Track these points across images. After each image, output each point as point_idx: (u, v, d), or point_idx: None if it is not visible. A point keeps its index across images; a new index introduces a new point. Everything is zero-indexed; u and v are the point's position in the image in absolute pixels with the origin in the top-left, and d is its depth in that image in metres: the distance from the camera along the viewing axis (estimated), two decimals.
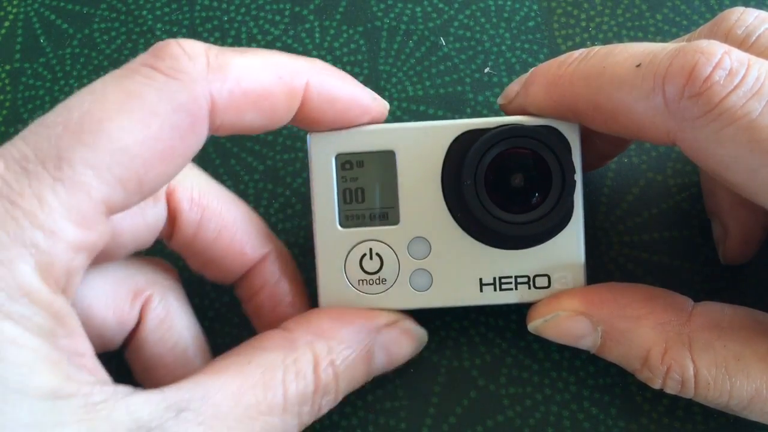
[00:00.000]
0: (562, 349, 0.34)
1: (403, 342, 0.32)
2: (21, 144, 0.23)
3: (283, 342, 0.29)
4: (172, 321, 0.32)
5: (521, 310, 0.34)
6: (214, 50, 0.26)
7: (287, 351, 0.29)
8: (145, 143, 0.24)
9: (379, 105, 0.32)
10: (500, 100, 0.33)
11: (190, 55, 0.26)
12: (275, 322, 0.31)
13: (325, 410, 0.29)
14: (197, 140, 0.26)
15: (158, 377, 0.31)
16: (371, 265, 0.32)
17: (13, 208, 0.22)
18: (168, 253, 0.34)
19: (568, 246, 0.31)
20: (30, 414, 0.22)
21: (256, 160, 0.38)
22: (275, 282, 0.33)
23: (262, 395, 0.27)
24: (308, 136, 0.31)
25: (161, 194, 0.31)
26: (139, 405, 0.24)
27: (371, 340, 0.31)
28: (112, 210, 0.25)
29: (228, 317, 0.36)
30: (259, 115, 0.28)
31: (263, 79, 0.27)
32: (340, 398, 0.30)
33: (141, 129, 0.24)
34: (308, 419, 0.29)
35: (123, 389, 0.24)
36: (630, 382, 0.34)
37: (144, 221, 0.30)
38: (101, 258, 0.28)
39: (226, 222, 0.32)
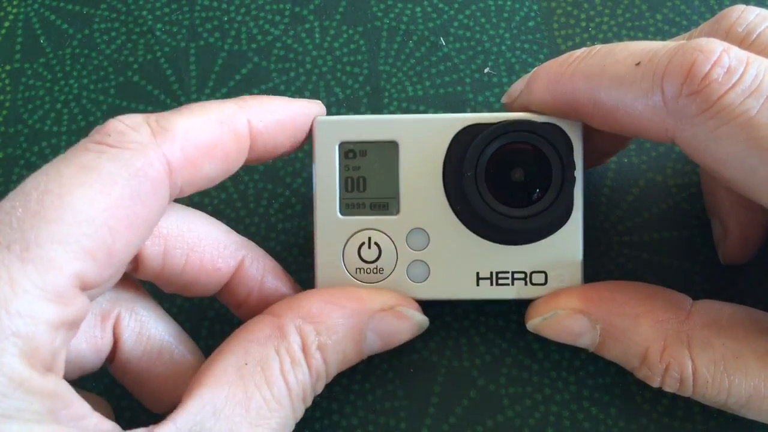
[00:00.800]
0: (562, 348, 0.34)
1: (399, 327, 0.32)
2: None
3: (273, 330, 0.29)
4: (149, 332, 0.31)
5: (521, 311, 0.34)
6: (152, 117, 0.27)
7: (278, 340, 0.28)
8: (108, 211, 0.24)
9: (315, 104, 0.32)
10: (504, 99, 0.33)
11: (132, 126, 0.26)
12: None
13: (320, 390, 0.30)
14: (160, 204, 0.27)
15: (153, 389, 0.31)
16: (369, 254, 0.32)
17: None
18: None
19: (567, 244, 0.31)
20: None
21: None
22: (259, 285, 0.32)
23: (269, 393, 0.27)
24: (313, 122, 0.32)
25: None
26: None
27: (362, 324, 0.30)
28: (86, 284, 0.24)
29: (228, 317, 0.36)
30: (215, 165, 0.28)
31: (208, 130, 0.28)
32: (331, 378, 0.30)
33: (102, 198, 0.24)
34: (309, 402, 0.29)
35: None
36: (630, 382, 0.34)
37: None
38: None
39: (191, 244, 0.31)
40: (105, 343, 0.30)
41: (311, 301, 0.30)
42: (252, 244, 0.33)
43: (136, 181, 0.25)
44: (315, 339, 0.29)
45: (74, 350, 0.29)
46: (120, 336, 0.30)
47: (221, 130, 0.28)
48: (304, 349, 0.29)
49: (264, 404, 0.27)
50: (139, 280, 0.31)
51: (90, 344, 0.29)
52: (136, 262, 0.30)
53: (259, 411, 0.27)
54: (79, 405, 0.24)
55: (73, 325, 0.24)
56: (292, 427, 0.29)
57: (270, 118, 0.30)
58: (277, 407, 0.27)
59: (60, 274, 0.23)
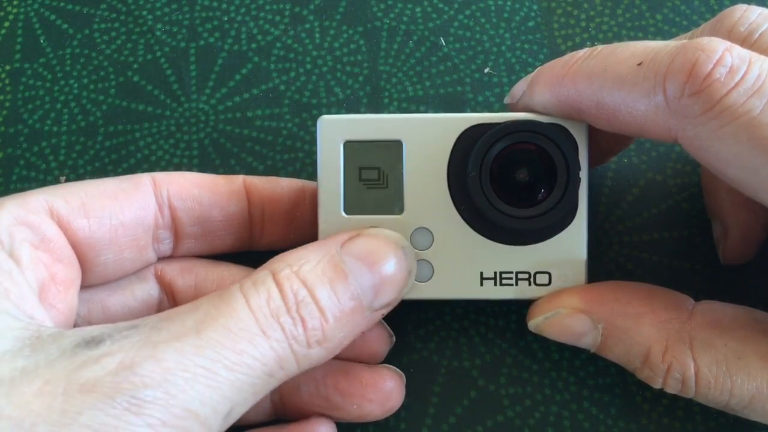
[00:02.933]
0: (562, 349, 0.34)
1: (375, 246, 0.29)
2: None
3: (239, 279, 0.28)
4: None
5: (521, 311, 0.34)
6: None
7: (242, 281, 0.27)
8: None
9: None
10: (507, 100, 0.33)
11: None
12: None
13: (319, 334, 0.27)
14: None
15: None
16: None
17: None
18: None
19: (571, 244, 0.31)
20: None
21: (256, 160, 0.38)
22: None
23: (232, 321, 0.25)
24: (318, 120, 0.32)
25: (149, 275, 0.33)
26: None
27: (335, 251, 0.28)
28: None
29: None
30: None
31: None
32: (331, 321, 0.27)
33: None
34: (301, 341, 0.26)
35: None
36: (630, 382, 0.34)
37: (134, 298, 0.33)
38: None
39: (222, 277, 0.33)
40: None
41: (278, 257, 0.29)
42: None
43: None
44: (285, 268, 0.27)
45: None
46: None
47: None
48: (274, 274, 0.27)
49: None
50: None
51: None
52: (173, 299, 0.34)
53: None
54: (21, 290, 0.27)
55: (39, 238, 0.29)
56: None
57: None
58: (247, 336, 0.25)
59: (32, 199, 0.29)
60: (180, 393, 0.23)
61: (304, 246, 0.29)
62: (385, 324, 0.34)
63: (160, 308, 0.33)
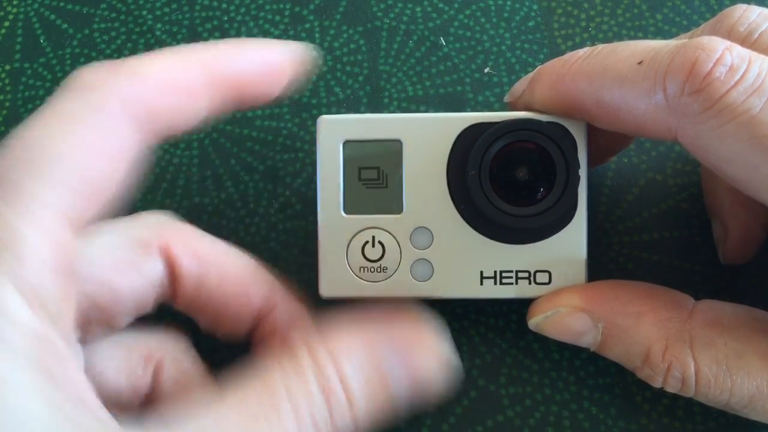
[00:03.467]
0: (562, 348, 0.34)
1: (430, 365, 0.28)
2: None
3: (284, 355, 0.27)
4: (188, 384, 0.31)
5: (521, 311, 0.34)
6: (115, 61, 0.27)
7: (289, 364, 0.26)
8: (77, 146, 0.25)
9: (294, 49, 0.31)
10: (507, 98, 0.33)
11: (92, 69, 0.27)
12: None
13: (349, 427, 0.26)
14: (128, 136, 0.27)
15: None
16: (373, 252, 0.32)
17: None
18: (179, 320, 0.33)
19: (571, 243, 0.31)
20: None
21: (256, 160, 0.38)
22: (285, 329, 0.32)
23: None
24: (318, 120, 0.32)
25: (154, 249, 0.30)
26: None
27: (379, 347, 0.27)
28: (73, 220, 0.24)
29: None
30: (183, 101, 0.28)
31: (173, 69, 0.28)
32: (361, 421, 0.26)
33: (69, 136, 0.25)
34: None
35: None
36: (630, 382, 0.34)
37: (140, 276, 0.30)
38: (108, 325, 0.29)
39: (226, 268, 0.31)
40: (144, 384, 0.30)
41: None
42: (286, 290, 0.32)
43: (96, 115, 0.26)
44: (328, 359, 0.26)
45: (113, 384, 0.29)
46: (159, 381, 0.30)
47: (184, 68, 0.28)
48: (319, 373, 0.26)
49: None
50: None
51: (130, 381, 0.30)
52: (175, 281, 0.31)
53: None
54: (80, 380, 0.23)
55: (68, 272, 0.24)
56: None
57: (242, 67, 0.29)
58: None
59: (49, 212, 0.23)
60: None
61: (356, 330, 0.28)
62: None
63: (161, 287, 0.31)
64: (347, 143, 0.32)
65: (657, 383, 0.29)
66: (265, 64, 0.30)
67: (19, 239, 0.22)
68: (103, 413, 0.23)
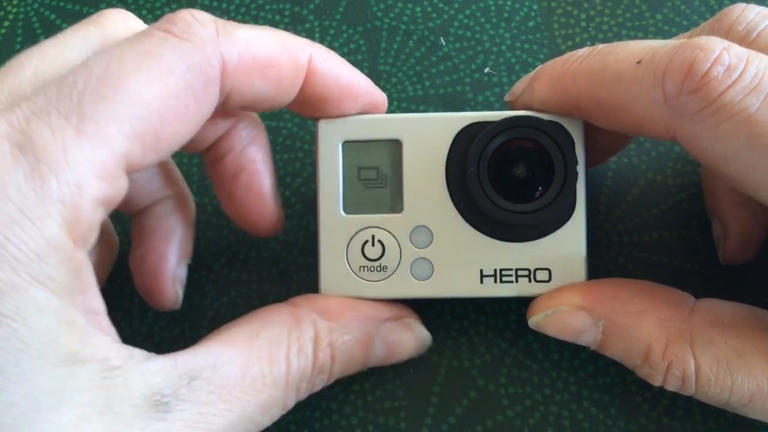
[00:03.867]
0: (562, 348, 0.34)
1: (406, 338, 0.33)
2: (42, 100, 0.23)
3: (289, 318, 0.30)
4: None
5: (521, 310, 0.34)
6: (221, 20, 0.27)
7: (292, 326, 0.30)
8: (162, 99, 0.25)
9: (380, 93, 0.33)
10: (507, 98, 0.33)
11: (200, 21, 0.27)
12: (236, 192, 0.32)
13: (317, 388, 0.30)
14: (210, 101, 0.27)
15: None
16: (373, 252, 0.32)
17: (39, 163, 0.22)
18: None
19: (570, 241, 0.31)
20: (49, 380, 0.22)
21: None
22: (241, 149, 0.32)
23: (268, 369, 0.28)
24: (318, 122, 0.32)
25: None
26: (154, 372, 0.25)
27: (373, 329, 0.31)
28: (130, 166, 0.25)
29: (228, 317, 0.36)
30: (266, 84, 0.28)
31: (270, 47, 0.28)
32: (332, 380, 0.31)
33: (158, 85, 0.25)
34: (303, 395, 0.30)
35: (138, 354, 0.25)
36: (630, 382, 0.34)
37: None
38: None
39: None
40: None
41: (329, 300, 0.32)
42: (255, 114, 0.33)
43: (191, 74, 0.26)
44: (328, 335, 0.30)
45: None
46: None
47: (282, 53, 0.28)
48: (315, 342, 0.30)
49: (260, 377, 0.28)
50: None
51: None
52: None
53: (254, 381, 0.27)
54: (95, 297, 0.25)
55: (110, 204, 0.25)
56: (278, 413, 0.29)
57: (331, 70, 0.30)
58: (271, 384, 0.28)
59: (111, 153, 0.24)
60: None
61: (354, 305, 0.32)
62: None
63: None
64: (346, 143, 0.32)
65: (657, 382, 0.29)
66: (353, 80, 0.31)
67: (77, 173, 0.23)
68: (113, 333, 0.25)
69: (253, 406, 0.27)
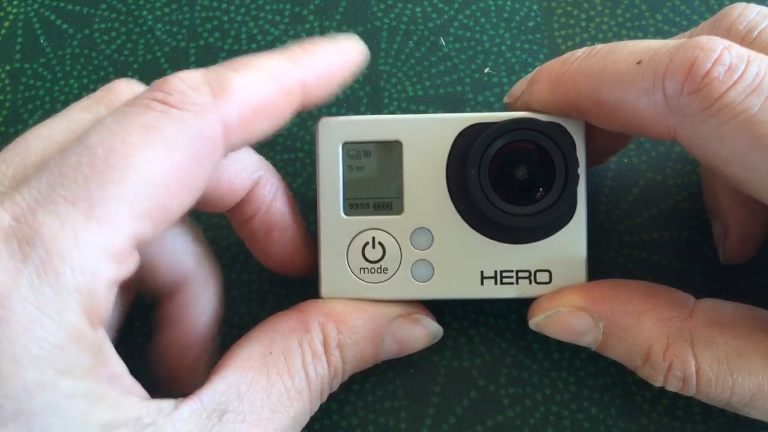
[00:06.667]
0: (562, 348, 0.34)
1: (415, 334, 0.33)
2: (46, 185, 0.23)
3: (297, 324, 0.30)
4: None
5: (521, 310, 0.34)
6: (211, 74, 0.27)
7: (302, 333, 0.30)
8: (169, 174, 0.25)
9: (354, 44, 0.31)
10: (506, 99, 0.33)
11: (193, 87, 0.26)
12: (270, 247, 0.33)
13: (335, 388, 0.31)
14: (214, 163, 0.27)
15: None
16: (373, 253, 0.32)
17: (50, 256, 0.22)
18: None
19: (571, 242, 0.31)
20: None
21: None
22: (267, 206, 0.32)
23: (290, 382, 0.29)
24: (318, 123, 0.32)
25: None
26: (185, 420, 0.25)
27: (382, 327, 0.32)
28: (141, 242, 0.25)
29: (228, 317, 0.36)
30: (267, 123, 0.28)
31: (264, 90, 0.28)
32: (346, 377, 0.31)
33: (164, 160, 0.24)
34: (325, 398, 0.31)
35: (166, 406, 0.25)
36: (630, 382, 0.34)
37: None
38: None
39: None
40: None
41: (335, 303, 0.32)
42: (269, 165, 0.33)
43: (195, 145, 0.25)
44: (336, 337, 0.30)
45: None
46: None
47: (276, 90, 0.28)
48: (325, 345, 0.30)
49: (285, 392, 0.28)
50: None
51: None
52: None
53: (280, 398, 0.28)
54: (117, 364, 0.25)
55: (123, 279, 0.25)
56: (307, 419, 0.30)
57: (321, 73, 0.30)
58: (296, 397, 0.28)
59: (121, 234, 0.24)
60: None
61: (360, 306, 0.32)
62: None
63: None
64: (347, 144, 0.32)
65: (658, 382, 0.29)
66: (339, 66, 0.30)
67: (89, 260, 0.23)
68: (138, 388, 0.26)
69: (285, 420, 0.28)
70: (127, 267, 0.24)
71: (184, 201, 0.26)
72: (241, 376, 0.28)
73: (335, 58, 0.30)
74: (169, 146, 0.25)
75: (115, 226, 0.23)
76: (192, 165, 0.25)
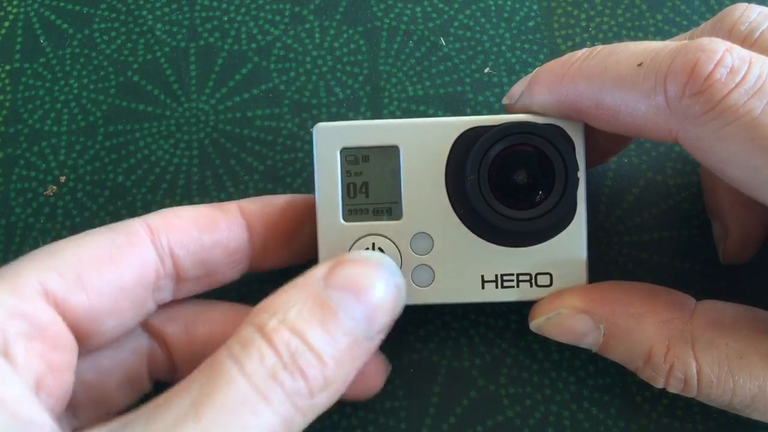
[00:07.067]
0: (562, 349, 0.34)
1: (358, 272, 0.27)
2: None
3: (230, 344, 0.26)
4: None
5: (521, 311, 0.34)
6: None
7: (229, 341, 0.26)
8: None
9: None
10: (505, 101, 0.33)
11: None
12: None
13: (320, 380, 0.25)
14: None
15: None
16: None
17: None
18: None
19: (571, 244, 0.31)
20: None
21: (256, 160, 0.38)
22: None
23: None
24: (314, 129, 0.32)
25: (136, 327, 0.32)
26: None
27: (318, 289, 0.27)
28: (51, 294, 0.27)
29: None
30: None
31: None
32: (331, 363, 0.26)
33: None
34: (304, 394, 0.25)
35: None
36: (630, 382, 0.34)
37: (122, 350, 0.32)
38: (105, 404, 0.31)
39: (211, 319, 0.33)
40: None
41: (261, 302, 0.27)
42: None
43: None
44: (271, 319, 0.26)
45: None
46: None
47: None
48: (260, 328, 0.25)
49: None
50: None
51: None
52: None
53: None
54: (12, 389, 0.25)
55: (35, 328, 0.26)
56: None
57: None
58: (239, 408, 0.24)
59: (25, 281, 0.26)
60: None
61: (284, 288, 0.27)
62: (381, 353, 0.33)
63: (152, 356, 0.32)
64: (344, 150, 0.32)
65: (659, 384, 0.29)
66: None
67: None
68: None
69: None
70: (32, 308, 0.26)
71: (102, 274, 0.28)
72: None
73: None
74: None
75: (20, 277, 0.26)
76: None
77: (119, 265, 0.29)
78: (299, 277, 0.27)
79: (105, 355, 0.31)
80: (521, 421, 0.34)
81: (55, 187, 0.38)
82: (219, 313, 0.33)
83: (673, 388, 0.29)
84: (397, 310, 0.29)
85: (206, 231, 0.31)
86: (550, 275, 0.31)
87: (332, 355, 0.25)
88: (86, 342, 0.28)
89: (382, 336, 0.28)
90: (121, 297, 0.29)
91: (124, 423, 0.23)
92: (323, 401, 0.26)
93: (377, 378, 0.33)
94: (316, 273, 0.27)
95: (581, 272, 0.31)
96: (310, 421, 0.26)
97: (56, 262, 0.27)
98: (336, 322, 0.26)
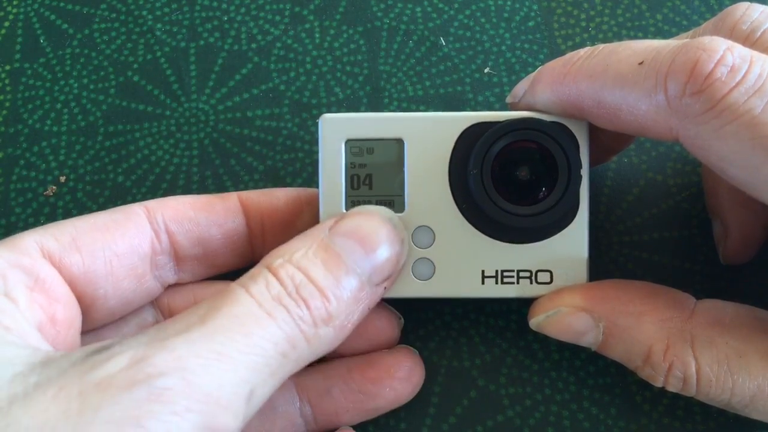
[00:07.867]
0: (562, 348, 0.34)
1: (363, 221, 0.30)
2: None
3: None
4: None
5: (521, 311, 0.34)
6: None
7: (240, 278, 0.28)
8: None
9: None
10: (509, 99, 0.33)
11: None
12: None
13: (323, 312, 0.27)
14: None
15: None
16: None
17: None
18: None
19: (572, 242, 0.31)
20: None
21: (256, 160, 0.38)
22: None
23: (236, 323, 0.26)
24: (320, 119, 0.32)
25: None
26: None
27: (323, 236, 0.29)
28: (47, 251, 0.29)
29: None
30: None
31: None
32: (333, 299, 0.27)
33: None
34: (308, 321, 0.27)
35: None
36: (630, 382, 0.34)
37: (126, 324, 0.33)
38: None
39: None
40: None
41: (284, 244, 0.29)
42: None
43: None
44: (279, 259, 0.28)
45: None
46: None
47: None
48: (269, 266, 0.28)
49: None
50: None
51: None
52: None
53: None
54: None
55: (33, 279, 0.28)
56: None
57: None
58: (251, 322, 0.26)
59: (22, 241, 0.28)
60: (196, 378, 0.23)
61: (295, 237, 0.29)
62: (391, 307, 0.34)
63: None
64: (349, 142, 0.32)
65: (658, 383, 0.29)
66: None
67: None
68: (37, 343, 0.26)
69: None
70: (28, 260, 0.28)
71: (96, 239, 0.30)
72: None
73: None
74: None
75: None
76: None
77: (114, 232, 0.31)
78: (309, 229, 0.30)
79: (114, 332, 0.32)
80: (521, 421, 0.34)
81: (55, 187, 0.38)
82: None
83: (673, 387, 0.29)
84: (401, 263, 0.31)
85: (202, 211, 0.33)
86: (551, 273, 0.31)
87: (334, 292, 0.28)
88: (88, 309, 0.30)
89: (387, 284, 0.30)
90: (116, 262, 0.30)
91: (137, 332, 0.26)
92: (328, 335, 0.27)
93: (390, 329, 0.34)
94: (323, 224, 0.30)
95: (582, 270, 0.31)
96: (316, 353, 0.27)
97: (53, 230, 0.30)
98: (338, 264, 0.28)
